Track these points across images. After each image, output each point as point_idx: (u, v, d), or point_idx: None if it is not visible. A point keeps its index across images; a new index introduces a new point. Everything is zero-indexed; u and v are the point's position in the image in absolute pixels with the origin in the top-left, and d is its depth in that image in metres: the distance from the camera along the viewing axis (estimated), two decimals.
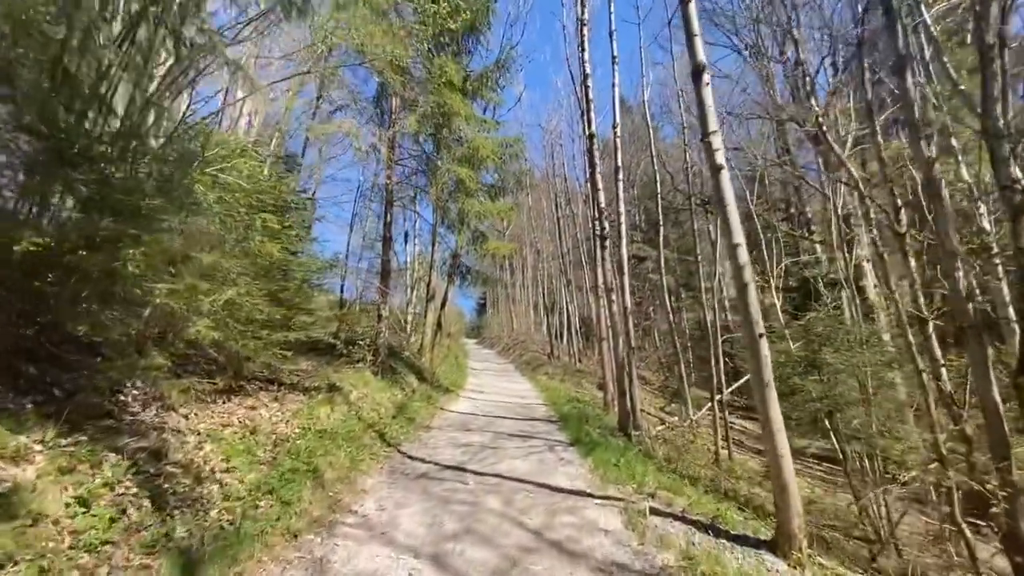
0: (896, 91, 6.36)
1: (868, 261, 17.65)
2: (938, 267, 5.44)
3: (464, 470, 5.78)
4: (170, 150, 6.23)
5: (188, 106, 7.74)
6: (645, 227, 35.80)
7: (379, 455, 6.21)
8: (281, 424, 5.87)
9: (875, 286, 17.49)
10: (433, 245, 13.38)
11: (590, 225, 15.34)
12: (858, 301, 20.63)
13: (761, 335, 4.11)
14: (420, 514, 4.31)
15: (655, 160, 16.19)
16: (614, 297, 8.69)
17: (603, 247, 8.77)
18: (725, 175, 4.40)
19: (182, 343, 5.13)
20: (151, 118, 4.70)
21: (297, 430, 5.83)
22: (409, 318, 17.24)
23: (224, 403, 5.78)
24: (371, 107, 11.35)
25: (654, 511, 4.38)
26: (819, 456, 11.71)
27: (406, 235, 18.79)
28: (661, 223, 15.75)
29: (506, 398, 12.83)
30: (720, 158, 4.41)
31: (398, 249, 18.60)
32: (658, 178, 15.92)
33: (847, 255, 16.93)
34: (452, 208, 10.90)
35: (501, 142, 11.82)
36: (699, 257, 37.88)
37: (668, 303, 16.25)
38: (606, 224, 8.82)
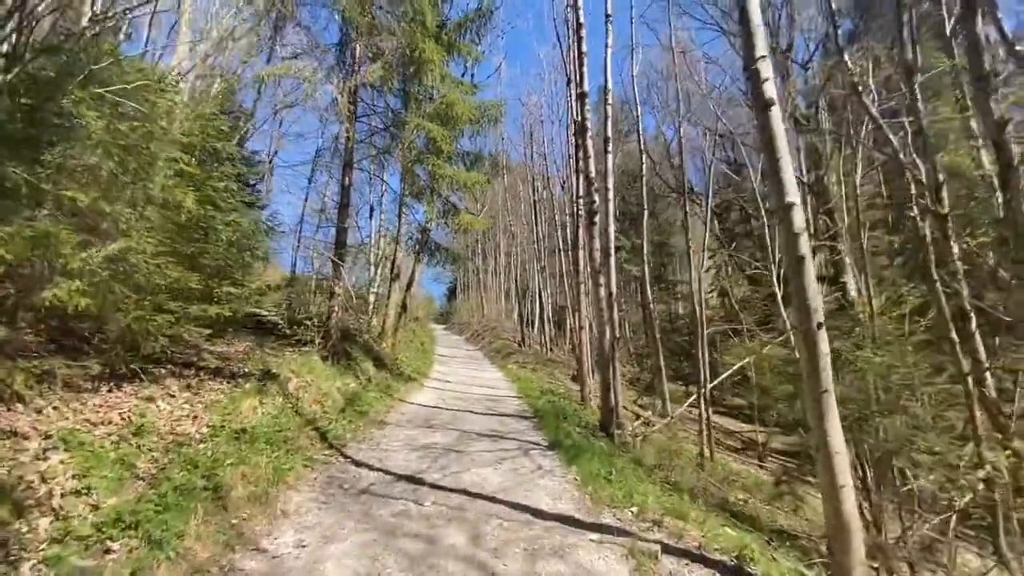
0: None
1: (848, 257, 17.23)
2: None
3: (421, 482, 4.64)
4: (48, 61, 4.80)
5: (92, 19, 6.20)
6: (620, 217, 35.11)
7: (315, 461, 4.98)
8: (185, 421, 4.57)
9: (855, 282, 17.06)
10: (400, 217, 12.01)
11: (573, 205, 14.28)
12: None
13: (820, 325, 3.10)
14: (354, 554, 3.14)
15: (641, 139, 15.23)
16: (601, 280, 7.64)
17: (591, 223, 7.69)
18: (776, 113, 3.34)
19: (30, 311, 3.76)
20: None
21: (206, 430, 4.55)
22: (371, 299, 15.84)
23: (108, 393, 4.43)
24: (332, 56, 9.87)
25: (666, 548, 3.35)
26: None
27: (371, 208, 17.31)
28: (646, 206, 14.83)
29: (475, 389, 11.71)
30: (770, 90, 3.35)
31: (361, 224, 17.14)
32: (644, 158, 14.96)
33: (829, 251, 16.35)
34: (421, 174, 9.56)
35: (479, 105, 10.54)
36: (672, 250, 37.25)
37: (649, 293, 15.41)
38: (595, 197, 7.73)
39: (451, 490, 4.45)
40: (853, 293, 15.68)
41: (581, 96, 7.94)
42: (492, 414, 8.50)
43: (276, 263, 16.67)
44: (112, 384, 4.60)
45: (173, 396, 4.99)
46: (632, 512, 4.04)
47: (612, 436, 7.66)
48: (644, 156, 15.27)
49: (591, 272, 7.78)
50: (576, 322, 12.91)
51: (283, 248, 12.49)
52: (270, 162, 15.60)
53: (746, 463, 12.58)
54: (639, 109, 14.82)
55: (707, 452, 10.15)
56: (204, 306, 5.54)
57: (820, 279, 18.12)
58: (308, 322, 8.63)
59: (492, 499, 4.25)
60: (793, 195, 3.26)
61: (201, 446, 4.21)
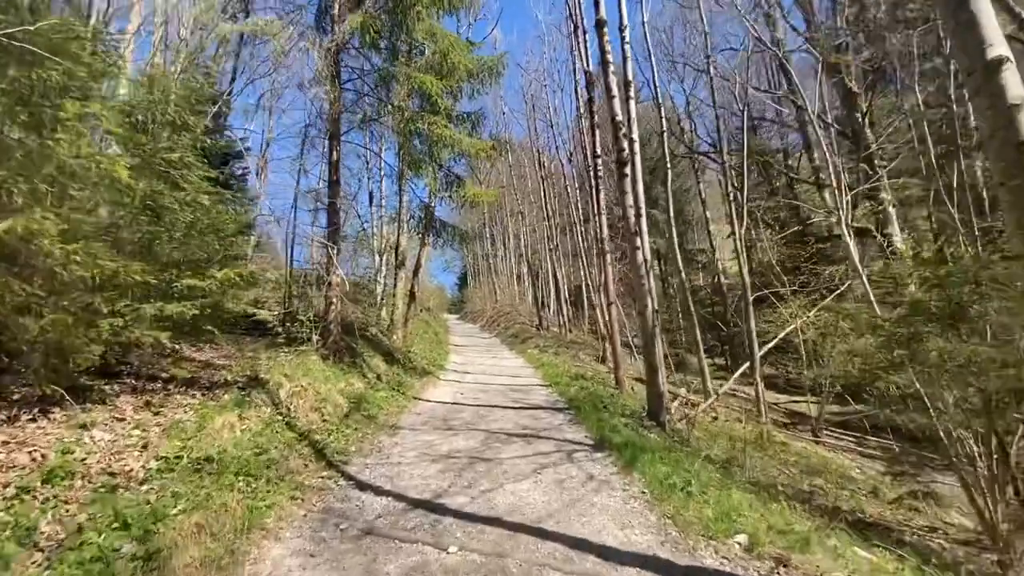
0: None
1: (893, 206, 15.71)
2: None
3: (442, 510, 3.54)
4: None
5: None
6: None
7: (307, 489, 3.90)
8: (130, 453, 3.50)
9: (901, 231, 15.57)
10: (400, 195, 10.86)
11: (587, 170, 12.97)
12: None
13: None
14: None
15: (656, 91, 13.82)
16: (638, 243, 6.44)
17: (622, 175, 6.45)
18: None
19: None
20: None
21: (155, 463, 3.47)
22: (378, 289, 14.80)
23: (27, 423, 3.38)
24: (311, 17, 8.66)
25: None
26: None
27: (370, 195, 16.20)
28: (668, 163, 13.47)
29: (496, 378, 10.64)
30: None
31: (362, 212, 16.02)
32: (661, 112, 13.53)
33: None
34: (418, 143, 8.34)
35: (478, 60, 9.26)
36: (688, 218, 35.64)
37: (679, 259, 14.12)
38: (624, 145, 6.47)
39: (482, 520, 3.35)
40: (899, 244, 14.29)
41: (599, 25, 6.64)
42: (520, 407, 7.40)
43: (275, 256, 15.68)
44: (36, 411, 3.55)
45: (122, 419, 3.93)
46: (739, 545, 2.89)
47: (663, 425, 6.52)
48: (661, 112, 13.85)
49: (626, 234, 6.56)
50: (602, 298, 11.72)
51: (276, 238, 11.40)
52: (263, 155, 14.50)
53: (801, 439, 11.40)
54: (653, 60, 13.38)
55: (764, 432, 8.97)
56: (160, 304, 4.45)
57: (861, 232, 16.65)
58: (303, 318, 7.56)
59: (539, 532, 3.13)
60: (1000, 46, 2.02)
61: (143, 488, 3.14)
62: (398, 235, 11.97)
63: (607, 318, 11.02)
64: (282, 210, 14.76)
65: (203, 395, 4.99)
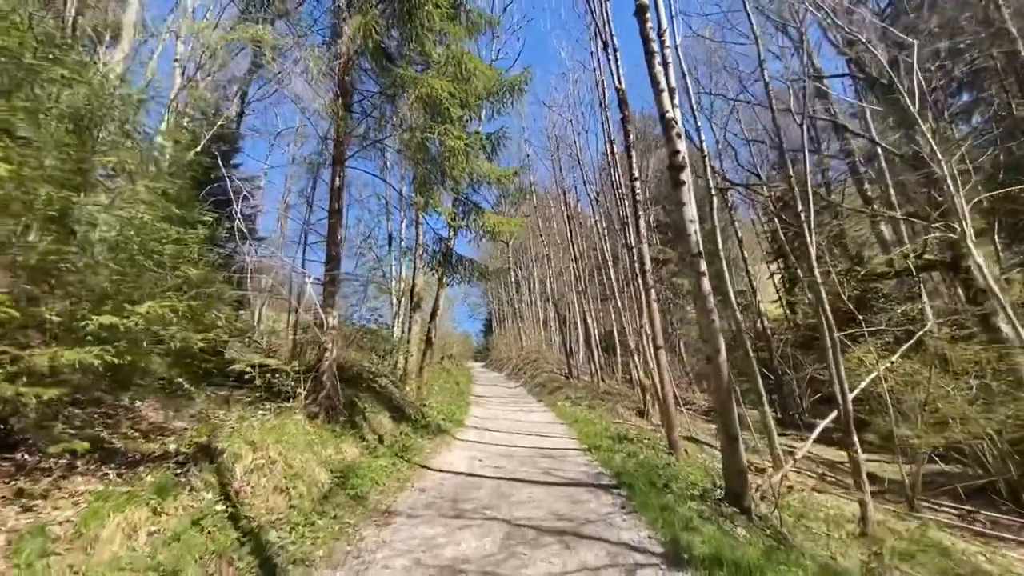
0: None
1: (972, 240, 13.77)
2: None
3: None
4: None
5: None
6: (659, 227, 32.19)
7: None
8: None
9: (984, 266, 13.57)
10: (416, 227, 9.81)
11: (622, 195, 11.72)
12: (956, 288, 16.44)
13: None
14: None
15: (694, 112, 12.67)
16: (702, 267, 4.99)
17: (678, 184, 5.10)
18: None
19: None
20: None
21: None
22: (395, 336, 13.55)
23: None
24: (318, 36, 7.94)
25: None
26: None
27: (390, 237, 15.31)
28: (713, 189, 12.10)
29: (522, 439, 8.99)
30: None
31: (380, 253, 15.09)
32: (700, 137, 12.29)
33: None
34: (428, 165, 7.22)
35: (498, 76, 8.32)
36: (729, 255, 33.98)
37: (731, 292, 12.40)
38: (679, 146, 5.16)
39: None
40: (982, 280, 12.29)
41: (640, 11, 5.52)
42: (553, 482, 5.77)
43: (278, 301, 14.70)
44: None
45: None
46: None
47: (747, 511, 4.79)
48: (700, 136, 12.65)
49: (686, 257, 5.11)
50: (645, 341, 10.12)
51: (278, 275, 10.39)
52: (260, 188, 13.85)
53: (898, 514, 9.19)
54: (687, 82, 12.33)
55: (868, 514, 7.00)
56: (56, 350, 3.20)
57: (935, 266, 14.63)
58: (288, 369, 6.26)
59: None
60: None
61: None
62: (414, 274, 10.80)
63: (653, 364, 9.39)
64: (291, 252, 13.97)
65: (119, 475, 3.64)
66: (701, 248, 5.08)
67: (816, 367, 14.20)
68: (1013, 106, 14.38)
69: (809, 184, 8.41)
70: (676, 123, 5.29)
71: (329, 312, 6.97)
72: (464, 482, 5.92)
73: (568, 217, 23.09)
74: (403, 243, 14.64)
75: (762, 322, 27.95)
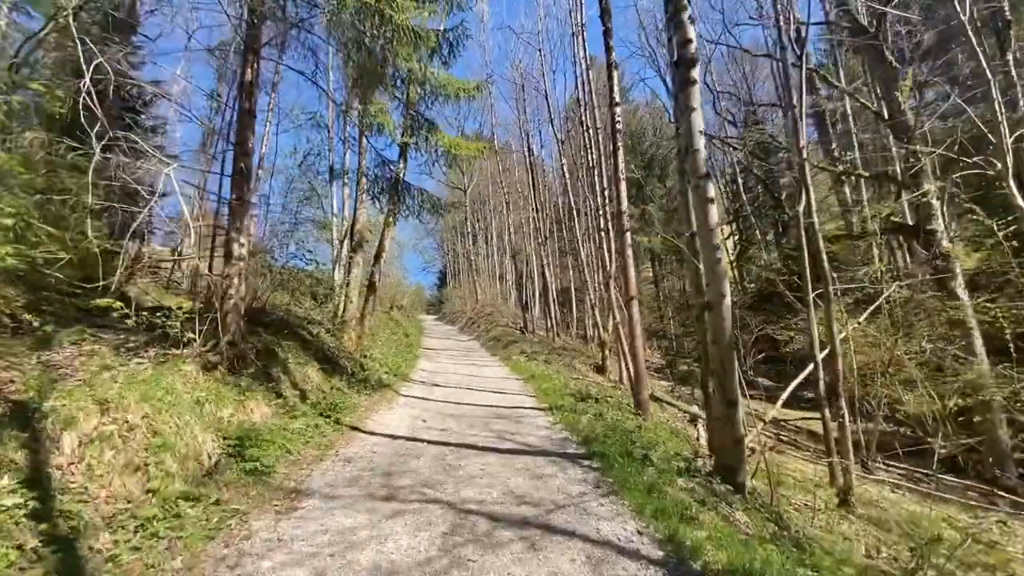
0: None
1: (938, 198, 13.56)
2: None
3: None
4: None
5: None
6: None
7: None
8: None
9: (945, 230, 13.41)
10: (360, 149, 8.19)
11: (597, 129, 10.51)
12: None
13: None
14: None
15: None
16: (710, 192, 3.96)
17: (687, 83, 3.96)
18: None
19: None
20: None
21: None
22: (337, 279, 12.04)
23: None
24: None
25: None
26: None
27: (331, 169, 13.46)
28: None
29: (475, 395, 8.02)
30: None
31: (320, 188, 13.27)
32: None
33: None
34: (364, 54, 5.59)
35: None
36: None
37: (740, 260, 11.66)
38: (690, 32, 3.99)
39: None
40: (946, 243, 12.20)
41: None
42: (510, 450, 4.81)
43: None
44: None
45: None
46: None
47: (742, 489, 4.02)
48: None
49: (693, 179, 4.04)
50: (614, 293, 9.24)
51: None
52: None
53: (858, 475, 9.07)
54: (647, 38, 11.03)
55: (840, 478, 6.59)
56: None
57: (901, 229, 14.48)
58: (178, 310, 4.84)
59: None
60: None
61: None
62: (355, 206, 9.28)
63: (620, 318, 8.56)
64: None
65: None
66: (705, 169, 4.01)
67: (773, 327, 13.86)
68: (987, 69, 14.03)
69: (803, 123, 7.50)
70: (687, 6, 4.08)
71: (235, 239, 5.51)
72: (402, 449, 4.87)
73: (531, 164, 21.66)
74: (346, 176, 12.88)
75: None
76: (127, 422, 3.40)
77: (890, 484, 8.69)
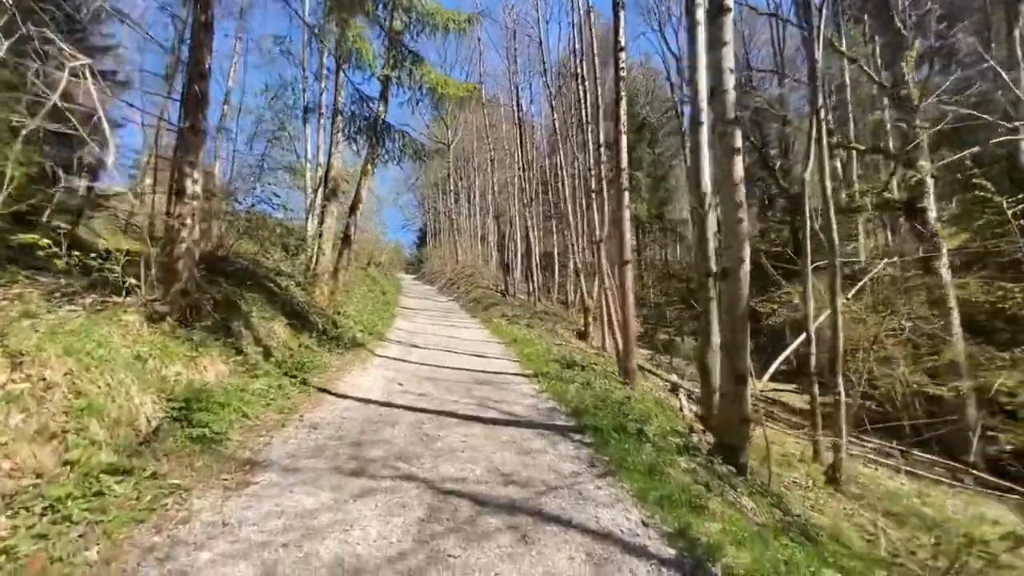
0: None
1: (932, 176, 13.35)
2: None
3: None
4: None
5: None
6: (607, 154, 30.51)
7: None
8: None
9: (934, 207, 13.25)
10: (337, 85, 7.36)
11: (597, 78, 9.82)
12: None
13: None
14: None
15: None
16: (736, 141, 3.46)
17: (723, 11, 3.39)
18: None
19: None
20: None
21: None
22: (310, 231, 11.28)
23: None
24: None
25: None
26: None
27: (305, 109, 12.42)
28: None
29: (454, 358, 7.62)
30: None
31: (294, 131, 12.26)
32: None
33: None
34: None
35: None
36: (670, 186, 32.98)
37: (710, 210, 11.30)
38: None
39: None
40: (934, 222, 12.10)
41: None
42: (494, 420, 4.43)
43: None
44: None
45: None
46: None
47: (743, 469, 3.74)
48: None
49: (720, 127, 3.53)
50: (604, 257, 8.81)
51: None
52: None
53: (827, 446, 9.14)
54: None
55: (830, 455, 6.49)
56: None
57: (892, 205, 14.31)
58: (113, 250, 4.19)
59: None
60: None
61: None
62: (330, 149, 8.48)
63: (611, 283, 8.17)
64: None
65: None
66: (733, 113, 3.50)
67: (755, 300, 13.69)
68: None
69: (822, 83, 6.97)
70: None
71: (188, 174, 4.80)
72: (376, 415, 4.44)
73: (519, 119, 20.69)
74: (322, 118, 11.88)
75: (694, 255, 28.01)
76: (44, 379, 2.85)
77: (863, 459, 8.75)
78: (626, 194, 6.66)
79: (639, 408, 5.12)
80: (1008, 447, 8.01)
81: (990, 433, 9.29)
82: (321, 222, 9.37)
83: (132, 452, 2.88)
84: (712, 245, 5.07)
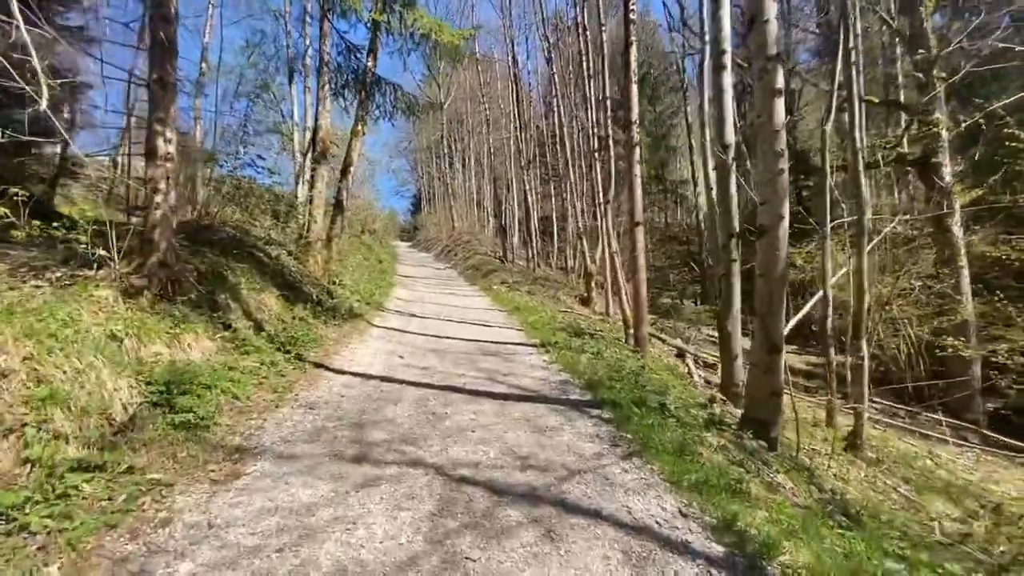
0: None
1: (948, 129, 12.82)
2: None
3: None
4: None
5: None
6: (612, 103, 29.43)
7: None
8: None
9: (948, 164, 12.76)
10: (321, 35, 6.73)
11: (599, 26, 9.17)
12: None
13: None
14: None
15: None
16: (778, 81, 3.03)
17: None
18: None
19: None
20: None
21: None
22: (300, 198, 10.76)
23: None
24: None
25: None
26: None
27: (290, 71, 11.71)
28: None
29: (458, 329, 7.31)
30: None
31: (279, 91, 11.61)
32: None
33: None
34: None
35: None
36: (672, 145, 32.02)
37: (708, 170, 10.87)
38: None
39: None
40: (948, 178, 11.67)
41: None
42: (504, 395, 4.15)
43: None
44: None
45: None
46: None
47: (773, 443, 3.48)
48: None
49: (759, 65, 3.08)
50: (609, 220, 8.38)
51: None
52: None
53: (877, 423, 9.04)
54: None
55: (850, 420, 6.31)
56: None
57: (904, 160, 13.79)
58: (84, 221, 3.77)
59: None
60: None
61: None
62: (316, 108, 7.90)
63: (619, 247, 7.80)
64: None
65: None
66: (775, 49, 3.05)
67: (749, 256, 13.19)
68: None
69: (856, 19, 6.35)
70: None
71: (159, 133, 4.32)
72: (377, 391, 4.15)
73: (515, 76, 19.72)
74: (308, 79, 11.14)
75: (698, 215, 27.50)
76: None
77: (871, 420, 8.64)
78: (637, 150, 6.20)
79: (655, 379, 4.85)
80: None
81: (993, 393, 9.20)
82: (311, 187, 8.86)
83: (104, 445, 2.57)
84: (735, 203, 4.67)
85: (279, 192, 9.60)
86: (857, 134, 6.01)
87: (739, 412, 4.61)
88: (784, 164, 3.20)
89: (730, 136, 4.63)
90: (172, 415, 2.98)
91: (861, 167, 5.78)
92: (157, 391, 3.15)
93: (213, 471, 2.63)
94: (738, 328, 4.71)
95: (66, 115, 8.33)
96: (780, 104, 3.15)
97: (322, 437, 3.16)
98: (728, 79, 4.64)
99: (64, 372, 2.72)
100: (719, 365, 8.98)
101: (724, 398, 4.59)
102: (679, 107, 28.55)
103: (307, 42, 10.47)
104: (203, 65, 10.22)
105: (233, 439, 3.03)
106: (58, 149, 8.18)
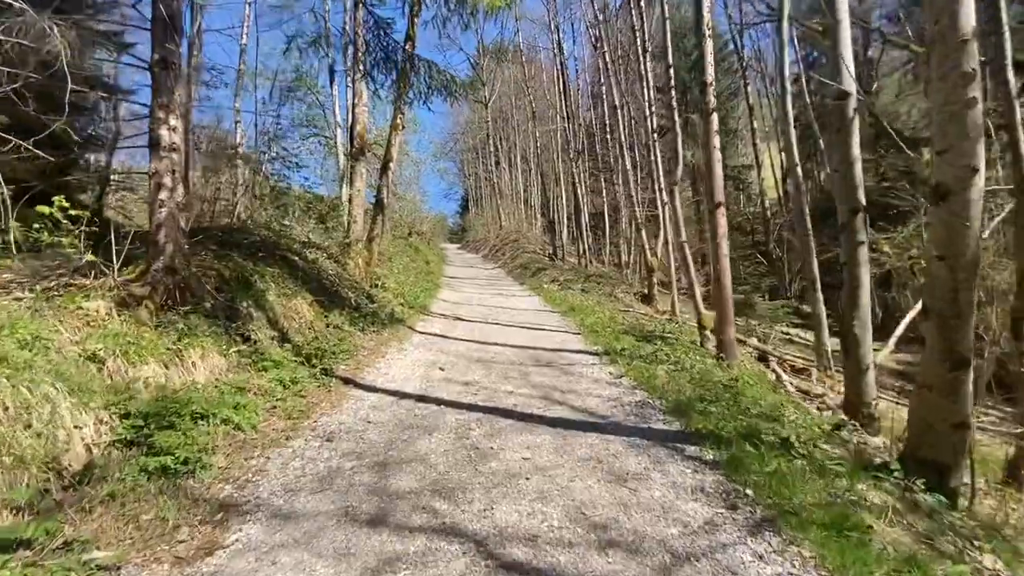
0: None
1: None
2: None
3: None
4: None
5: None
6: (671, 90, 27.67)
7: None
8: None
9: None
10: (356, 15, 6.15)
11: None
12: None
13: None
14: None
15: None
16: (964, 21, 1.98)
17: None
18: None
19: None
20: None
21: None
22: (344, 199, 10.37)
23: None
24: None
25: None
26: None
27: (331, 71, 11.36)
28: None
29: (506, 334, 6.51)
30: None
31: (322, 97, 11.32)
32: None
33: None
34: None
35: None
36: (730, 129, 29.93)
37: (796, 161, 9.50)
38: None
39: None
40: None
41: None
42: (565, 422, 3.28)
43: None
44: None
45: None
46: None
47: (955, 498, 2.41)
48: None
49: None
50: (672, 209, 7.32)
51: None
52: None
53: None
54: None
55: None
56: None
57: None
58: (66, 222, 3.27)
59: None
60: None
61: None
62: (353, 100, 7.36)
63: (711, 232, 6.70)
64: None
65: None
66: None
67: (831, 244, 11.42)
68: None
69: None
70: None
71: (162, 120, 3.79)
72: (410, 416, 3.40)
73: (561, 65, 18.77)
74: (346, 58, 10.71)
75: (763, 203, 25.27)
76: None
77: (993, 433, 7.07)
78: (714, 117, 5.16)
79: (753, 395, 3.82)
80: None
81: None
82: (350, 184, 8.37)
83: (42, 508, 1.94)
84: (859, 168, 3.57)
85: (319, 194, 9.20)
86: (1010, 76, 4.66)
87: (875, 441, 3.51)
88: (976, 91, 2.15)
89: (848, 79, 3.52)
90: (146, 459, 2.34)
91: (1020, 127, 4.43)
92: (136, 426, 2.53)
93: (182, 543, 1.95)
94: (868, 331, 3.60)
95: (111, 124, 8.28)
96: (969, 2, 2.11)
97: (335, 484, 2.44)
98: (844, 4, 3.55)
99: (4, 409, 2.13)
100: (813, 371, 7.67)
101: (854, 422, 3.51)
102: (736, 88, 26.45)
103: (345, 25, 10.10)
104: (242, 66, 10.06)
105: (221, 489, 2.36)
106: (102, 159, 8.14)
